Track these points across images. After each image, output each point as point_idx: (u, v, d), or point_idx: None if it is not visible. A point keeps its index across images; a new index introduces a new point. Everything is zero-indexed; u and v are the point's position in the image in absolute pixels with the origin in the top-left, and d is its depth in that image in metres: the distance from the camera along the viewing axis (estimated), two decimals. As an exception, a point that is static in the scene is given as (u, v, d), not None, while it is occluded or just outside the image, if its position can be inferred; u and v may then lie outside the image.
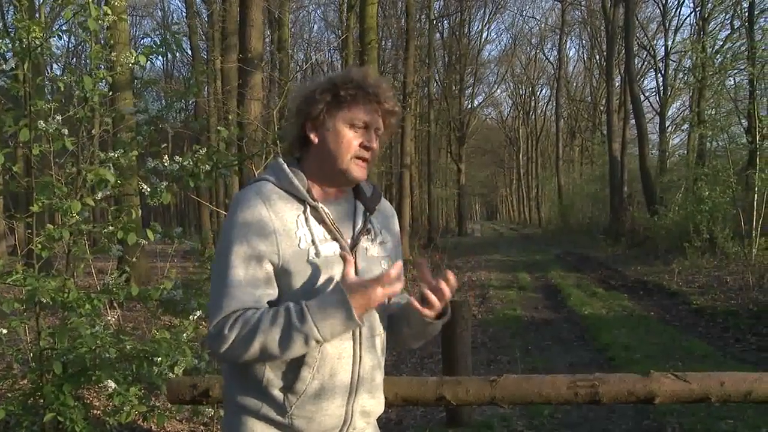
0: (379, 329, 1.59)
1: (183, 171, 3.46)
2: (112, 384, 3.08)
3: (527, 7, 68.61)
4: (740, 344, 6.78)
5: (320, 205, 1.51)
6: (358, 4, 15.65)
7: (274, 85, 16.34)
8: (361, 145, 1.53)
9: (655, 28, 30.45)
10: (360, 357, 1.53)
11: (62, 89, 3.25)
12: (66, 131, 3.09)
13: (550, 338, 7.55)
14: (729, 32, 22.12)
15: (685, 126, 24.16)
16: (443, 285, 1.50)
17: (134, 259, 5.70)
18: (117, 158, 3.29)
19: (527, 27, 59.96)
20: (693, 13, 30.33)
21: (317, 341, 1.40)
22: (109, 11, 3.18)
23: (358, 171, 1.54)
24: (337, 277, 1.48)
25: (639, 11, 26.83)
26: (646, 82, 34.15)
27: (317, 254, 1.47)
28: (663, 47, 26.86)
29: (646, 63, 31.26)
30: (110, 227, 3.26)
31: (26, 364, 3.58)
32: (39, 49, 3.09)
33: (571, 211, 30.72)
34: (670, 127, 26.82)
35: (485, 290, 11.74)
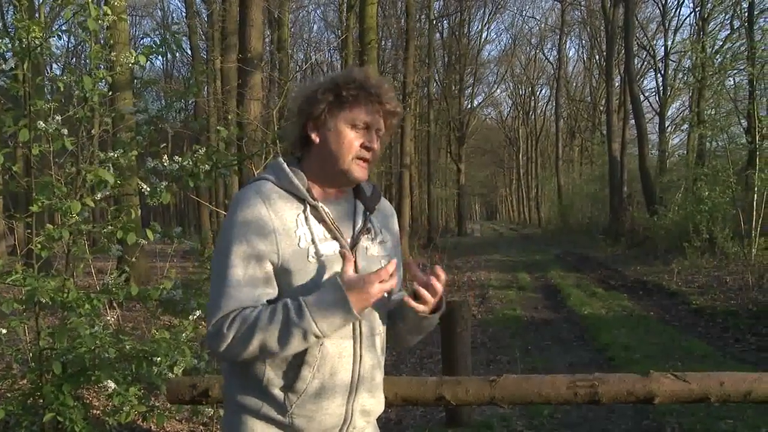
0: (380, 328, 1.60)
1: (182, 171, 3.46)
2: (111, 384, 3.08)
3: (527, 7, 68.71)
4: (740, 344, 6.78)
5: (320, 204, 1.52)
6: (358, 4, 15.65)
7: (274, 85, 16.33)
8: (362, 146, 1.53)
9: (655, 28, 30.50)
10: (360, 356, 1.53)
11: (62, 89, 3.25)
12: (65, 131, 3.09)
13: (549, 338, 7.55)
14: (729, 32, 22.16)
15: (685, 126, 24.19)
16: (434, 281, 1.50)
17: (134, 259, 5.71)
18: (117, 158, 3.29)
19: (527, 27, 60.01)
20: (693, 14, 30.37)
21: (316, 336, 1.40)
22: (109, 11, 3.18)
23: (360, 171, 1.54)
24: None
25: (639, 11, 26.84)
26: (645, 82, 34.21)
27: (317, 253, 1.47)
28: (663, 47, 26.91)
29: (645, 63, 31.27)
30: (110, 227, 3.26)
31: (26, 364, 3.57)
32: (39, 48, 3.09)
33: (571, 211, 30.72)
34: (669, 127, 26.84)
35: (485, 290, 11.74)
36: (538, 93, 47.30)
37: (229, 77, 15.36)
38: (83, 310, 3.05)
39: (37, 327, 3.19)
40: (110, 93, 3.81)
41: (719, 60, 19.83)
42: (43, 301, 2.99)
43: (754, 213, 12.62)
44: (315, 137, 1.55)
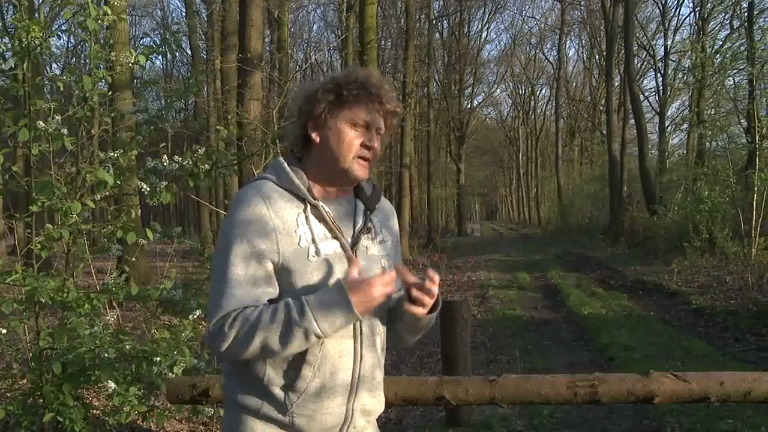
0: (380, 327, 1.60)
1: (182, 170, 3.45)
2: (112, 384, 3.08)
3: (527, 6, 68.66)
4: (739, 344, 6.78)
5: (320, 203, 1.52)
6: (358, 3, 15.66)
7: (274, 85, 16.34)
8: (363, 145, 1.53)
9: (655, 28, 30.49)
10: (361, 355, 1.53)
11: (62, 89, 3.25)
12: (65, 131, 3.09)
13: (549, 338, 7.55)
14: (728, 32, 22.20)
15: (685, 126, 24.16)
16: (428, 283, 1.49)
17: (134, 259, 5.72)
18: (116, 158, 3.29)
19: (527, 27, 59.93)
20: (692, 13, 30.36)
21: (317, 336, 1.40)
22: (109, 11, 3.18)
23: (360, 170, 1.54)
24: (338, 275, 1.48)
25: (638, 11, 26.83)
26: (645, 81, 34.13)
27: (317, 252, 1.47)
28: (662, 47, 26.90)
29: (645, 63, 31.27)
30: (110, 227, 3.26)
31: (26, 363, 3.57)
32: (38, 48, 3.09)
33: (571, 211, 30.71)
34: (669, 127, 26.81)
35: (485, 290, 11.75)
36: (537, 93, 47.32)
37: (229, 77, 15.38)
38: (83, 310, 3.05)
39: (37, 327, 3.19)
40: (110, 93, 3.81)
41: (719, 60, 19.82)
42: (43, 301, 2.99)
43: (754, 213, 12.62)
44: (315, 137, 1.55)
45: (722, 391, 2.00)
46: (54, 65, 23.23)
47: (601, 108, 33.49)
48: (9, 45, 3.10)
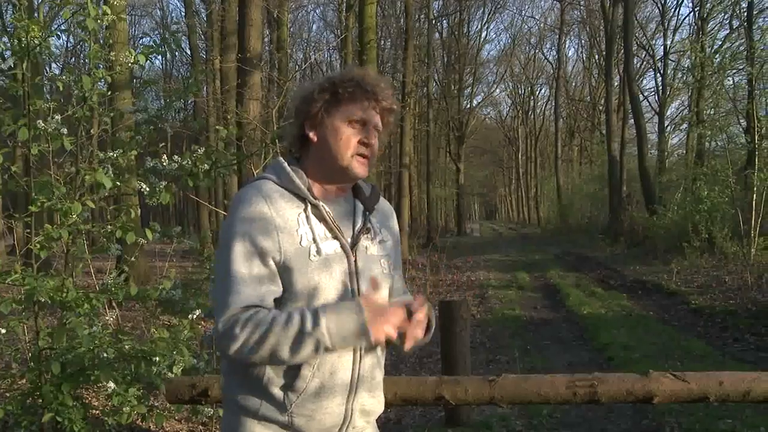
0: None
1: (182, 170, 3.45)
2: (111, 384, 3.08)
3: (526, 6, 68.49)
4: (739, 344, 6.78)
5: (321, 203, 1.52)
6: (357, 3, 15.65)
7: (273, 85, 16.35)
8: (360, 142, 1.54)
9: (654, 28, 30.49)
10: (360, 355, 1.53)
11: (61, 89, 3.25)
12: (65, 131, 3.09)
13: (548, 338, 7.56)
14: (728, 32, 22.20)
15: (684, 126, 24.21)
16: (418, 316, 1.48)
17: (133, 259, 5.71)
18: (116, 158, 3.29)
19: (526, 27, 59.87)
20: (692, 13, 30.43)
21: (326, 349, 1.40)
22: (108, 11, 3.18)
23: (360, 168, 1.55)
24: (337, 275, 1.49)
25: (638, 11, 26.83)
26: (645, 81, 34.06)
27: (318, 252, 1.48)
28: (662, 47, 26.90)
29: (645, 63, 31.29)
30: (109, 227, 3.25)
31: (25, 363, 3.57)
32: (38, 48, 3.08)
33: (570, 211, 30.72)
34: (669, 127, 26.81)
35: (484, 290, 11.75)
36: (537, 93, 47.32)
37: (228, 77, 15.37)
38: (82, 309, 3.05)
39: (36, 327, 3.19)
40: (109, 92, 3.80)
41: (718, 60, 19.84)
42: (42, 300, 2.99)
43: (753, 213, 12.62)
44: (313, 136, 1.55)
45: (721, 390, 2.00)
46: (53, 65, 23.18)
47: (600, 108, 33.51)
48: (8, 44, 3.10)
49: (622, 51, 21.96)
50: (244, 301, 1.41)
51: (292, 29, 27.90)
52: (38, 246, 3.06)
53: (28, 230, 3.24)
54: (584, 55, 40.48)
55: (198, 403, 2.34)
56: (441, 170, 41.35)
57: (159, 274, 7.84)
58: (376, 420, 1.68)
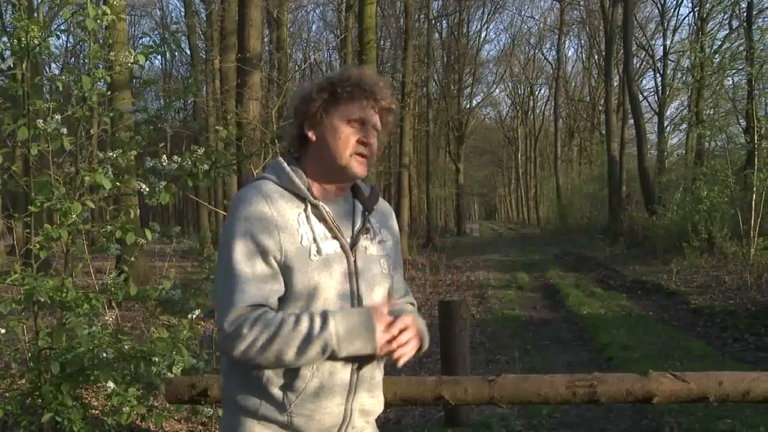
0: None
1: (181, 170, 3.45)
2: (111, 384, 3.07)
3: (526, 6, 68.41)
4: (738, 344, 6.78)
5: (321, 203, 1.52)
6: (357, 3, 15.65)
7: (273, 85, 16.34)
8: (359, 141, 1.54)
9: (654, 28, 30.50)
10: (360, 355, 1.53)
11: (61, 89, 3.25)
12: (64, 131, 3.09)
13: (548, 338, 7.56)
14: (727, 32, 22.20)
15: (684, 126, 24.22)
16: (402, 337, 1.47)
17: (132, 259, 5.71)
18: (115, 158, 3.28)
19: (526, 27, 59.93)
20: (691, 13, 30.45)
21: (333, 352, 1.41)
22: (108, 11, 3.18)
23: (359, 167, 1.55)
24: (337, 275, 1.49)
25: (637, 11, 26.83)
26: (644, 81, 34.05)
27: (318, 252, 1.48)
28: (661, 47, 26.93)
29: (644, 63, 31.29)
30: (108, 227, 3.25)
31: (24, 363, 3.57)
32: (37, 48, 3.09)
33: (570, 211, 30.72)
34: (668, 127, 26.80)
35: (484, 290, 11.75)
36: (537, 93, 47.32)
37: (228, 77, 15.38)
38: (82, 309, 3.05)
39: (35, 327, 3.19)
40: (109, 92, 3.80)
41: (718, 60, 19.84)
42: (42, 300, 2.99)
43: (753, 213, 12.63)
44: (312, 135, 1.56)
45: (721, 390, 2.00)
46: (53, 65, 23.17)
47: (600, 108, 33.51)
48: (8, 44, 3.10)
49: (622, 51, 21.96)
50: (249, 299, 1.41)
51: (291, 29, 27.92)
52: (38, 246, 3.06)
53: (28, 230, 3.24)
54: (584, 55, 40.52)
55: (197, 403, 2.34)
56: (441, 170, 41.35)
57: (158, 274, 7.82)
58: (376, 420, 1.68)
